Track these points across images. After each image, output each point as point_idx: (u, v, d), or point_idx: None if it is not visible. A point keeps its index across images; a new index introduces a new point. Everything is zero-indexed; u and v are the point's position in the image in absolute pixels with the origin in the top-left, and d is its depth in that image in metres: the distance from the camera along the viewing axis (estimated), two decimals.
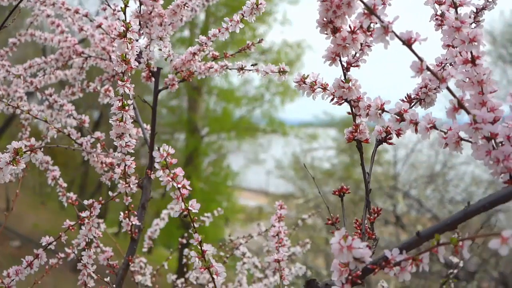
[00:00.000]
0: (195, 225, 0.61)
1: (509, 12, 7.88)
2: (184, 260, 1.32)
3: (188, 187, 0.59)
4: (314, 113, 10.32)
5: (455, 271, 1.04)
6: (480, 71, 0.51)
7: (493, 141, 0.50)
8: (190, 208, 0.60)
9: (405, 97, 0.66)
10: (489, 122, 0.48)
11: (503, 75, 8.02)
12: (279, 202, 0.95)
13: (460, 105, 0.49)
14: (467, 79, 0.52)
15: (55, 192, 1.05)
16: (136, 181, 0.87)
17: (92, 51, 1.17)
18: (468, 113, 0.49)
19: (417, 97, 0.65)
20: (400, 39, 0.48)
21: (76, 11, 1.05)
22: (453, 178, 6.78)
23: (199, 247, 0.61)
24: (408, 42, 0.48)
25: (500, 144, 0.49)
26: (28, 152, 0.62)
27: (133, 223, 0.93)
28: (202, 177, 10.29)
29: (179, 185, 0.58)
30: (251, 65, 0.90)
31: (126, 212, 0.92)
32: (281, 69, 0.81)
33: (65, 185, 1.05)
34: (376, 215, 0.60)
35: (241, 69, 0.90)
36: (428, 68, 0.48)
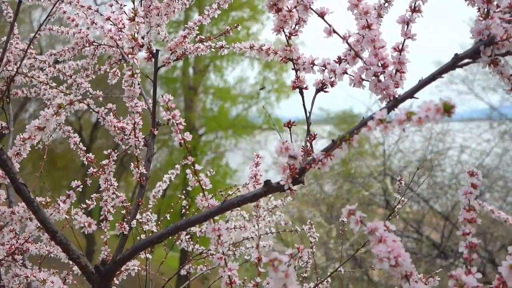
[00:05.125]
0: (188, 147, 0.87)
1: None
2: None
3: (183, 123, 0.84)
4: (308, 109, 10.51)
5: (400, 206, 1.30)
6: (373, 33, 0.76)
7: (382, 77, 0.76)
8: (185, 137, 0.85)
9: (337, 58, 0.91)
10: (375, 65, 0.74)
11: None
12: (256, 152, 1.21)
13: (356, 55, 0.75)
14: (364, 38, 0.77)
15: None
16: (143, 136, 1.13)
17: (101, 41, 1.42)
18: (362, 59, 0.74)
19: (345, 58, 0.91)
20: (316, 13, 0.74)
21: (89, 8, 1.30)
22: (442, 164, 7.06)
23: (193, 168, 0.87)
24: (321, 15, 0.74)
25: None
26: (68, 105, 0.87)
27: (141, 171, 1.19)
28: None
29: (177, 122, 0.84)
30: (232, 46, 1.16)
31: (136, 163, 1.18)
32: (251, 45, 1.06)
33: (84, 148, 1.31)
34: (313, 138, 0.86)
35: (221, 47, 1.16)
36: (334, 31, 0.74)
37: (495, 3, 0.68)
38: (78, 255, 0.79)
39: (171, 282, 1.55)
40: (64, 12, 1.41)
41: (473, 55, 0.67)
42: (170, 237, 1.68)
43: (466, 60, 0.69)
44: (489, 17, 0.67)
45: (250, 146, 12.10)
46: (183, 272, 1.67)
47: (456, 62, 0.68)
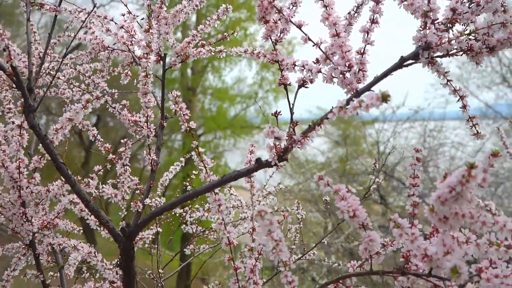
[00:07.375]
0: (193, 134, 1.06)
1: None
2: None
3: (189, 114, 1.04)
4: (308, 108, 10.73)
5: (375, 186, 1.49)
6: (340, 40, 0.96)
7: (348, 75, 0.96)
8: (190, 125, 1.05)
9: (315, 59, 1.11)
10: (342, 65, 0.94)
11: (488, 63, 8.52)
12: (250, 142, 1.40)
13: (327, 57, 0.95)
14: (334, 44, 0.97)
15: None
16: (154, 127, 1.33)
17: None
18: (331, 61, 0.94)
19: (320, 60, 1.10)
20: (294, 24, 0.94)
21: (105, 17, 1.50)
22: (435, 159, 7.27)
23: (197, 150, 1.07)
24: (299, 26, 0.94)
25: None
26: (95, 100, 1.07)
27: (153, 158, 1.39)
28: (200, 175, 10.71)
29: (184, 113, 1.04)
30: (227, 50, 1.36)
31: (148, 150, 1.38)
32: (245, 50, 1.26)
33: (102, 140, 1.50)
34: (296, 124, 1.06)
35: (220, 51, 1.36)
36: (309, 38, 0.94)
37: (431, 17, 0.88)
38: (107, 220, 0.98)
39: (177, 257, 1.75)
40: (82, 21, 1.61)
41: (414, 57, 0.87)
42: (177, 216, 1.89)
43: (410, 61, 0.89)
44: (427, 28, 0.87)
45: (249, 145, 12.21)
46: (187, 252, 1.87)
47: (402, 62, 0.88)
